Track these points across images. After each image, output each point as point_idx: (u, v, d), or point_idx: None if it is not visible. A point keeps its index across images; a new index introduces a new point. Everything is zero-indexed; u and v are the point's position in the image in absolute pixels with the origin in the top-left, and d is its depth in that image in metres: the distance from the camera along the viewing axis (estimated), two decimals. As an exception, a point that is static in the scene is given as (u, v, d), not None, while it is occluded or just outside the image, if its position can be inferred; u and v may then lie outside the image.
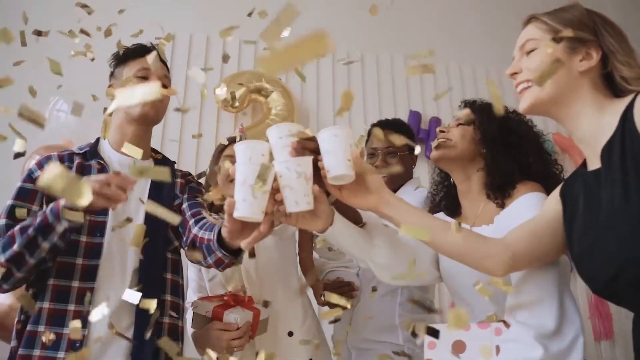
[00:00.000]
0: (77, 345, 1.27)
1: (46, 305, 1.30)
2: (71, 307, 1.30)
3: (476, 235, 1.14)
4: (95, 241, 1.36)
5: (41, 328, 1.27)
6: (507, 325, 1.12)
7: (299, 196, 1.02)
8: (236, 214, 1.00)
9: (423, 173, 3.11)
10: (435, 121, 3.45)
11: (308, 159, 1.04)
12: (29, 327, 1.29)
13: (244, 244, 1.07)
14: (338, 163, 1.05)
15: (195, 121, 3.12)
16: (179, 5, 3.41)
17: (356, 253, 1.26)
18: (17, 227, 1.26)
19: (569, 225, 1.07)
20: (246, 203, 0.98)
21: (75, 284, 1.32)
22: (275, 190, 1.04)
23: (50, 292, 1.31)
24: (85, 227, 1.36)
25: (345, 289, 1.81)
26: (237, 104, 2.99)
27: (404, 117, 3.46)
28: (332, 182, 1.08)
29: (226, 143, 1.82)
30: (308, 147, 1.09)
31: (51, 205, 1.23)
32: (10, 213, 1.32)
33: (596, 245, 0.98)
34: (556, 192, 1.15)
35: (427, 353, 1.19)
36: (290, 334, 1.69)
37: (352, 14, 3.63)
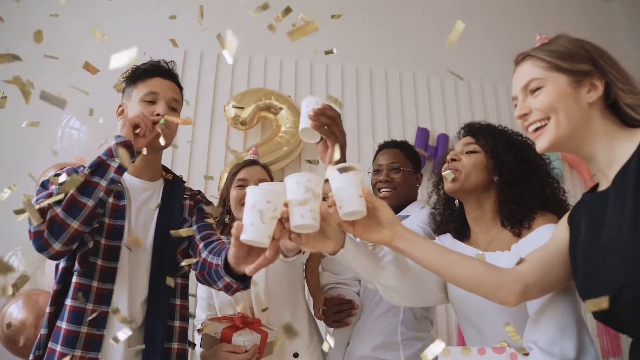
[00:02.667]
0: None
1: (63, 325, 1.32)
2: (84, 329, 1.32)
3: (489, 266, 1.14)
4: (111, 265, 1.39)
5: (58, 347, 1.30)
6: (525, 353, 1.12)
7: (304, 210, 1.01)
8: (243, 237, 1.00)
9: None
10: (444, 138, 3.47)
11: (319, 178, 1.05)
12: (49, 345, 1.32)
13: (249, 269, 1.06)
14: (350, 199, 1.06)
15: (206, 138, 3.15)
16: (190, 22, 3.45)
17: (365, 275, 1.27)
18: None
19: (574, 250, 1.08)
20: (254, 227, 0.99)
21: (90, 306, 1.34)
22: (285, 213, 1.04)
23: (68, 313, 1.33)
24: (101, 250, 1.38)
25: (346, 306, 1.82)
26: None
27: (412, 133, 3.48)
28: (344, 219, 1.09)
29: (240, 165, 1.86)
30: (326, 113, 1.31)
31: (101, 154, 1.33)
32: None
33: (597, 268, 0.98)
34: (564, 220, 1.15)
35: None
36: (296, 355, 1.71)
37: (362, 30, 3.67)
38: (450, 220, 1.50)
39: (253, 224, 0.99)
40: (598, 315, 1.02)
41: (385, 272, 1.26)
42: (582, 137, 1.05)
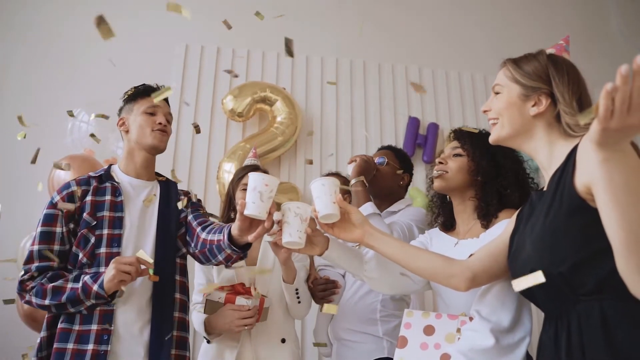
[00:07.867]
0: (105, 338, 1.49)
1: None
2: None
3: (444, 258, 1.34)
4: (114, 251, 1.60)
5: (75, 326, 1.52)
6: (470, 319, 1.33)
7: (292, 231, 1.30)
8: (246, 212, 1.29)
9: (420, 176, 3.24)
10: (434, 126, 3.63)
11: (306, 206, 1.32)
12: (61, 325, 1.52)
13: (251, 237, 1.38)
14: (326, 205, 1.32)
15: (206, 130, 3.32)
16: (191, 17, 3.59)
17: (350, 270, 1.49)
18: (49, 286, 1.53)
19: (512, 238, 1.26)
20: (255, 205, 1.29)
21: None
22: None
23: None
24: (105, 238, 1.60)
25: (330, 286, 2.07)
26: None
27: (403, 123, 3.64)
28: (322, 221, 1.35)
29: (245, 171, 2.08)
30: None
31: (85, 280, 1.50)
32: (40, 257, 1.58)
33: (520, 251, 1.17)
34: (515, 215, 1.33)
35: (402, 331, 1.41)
36: (283, 340, 1.94)
37: (356, 24, 3.81)
38: (442, 213, 1.70)
39: (254, 202, 1.29)
40: (523, 293, 1.21)
41: (368, 266, 1.47)
42: (523, 140, 1.25)
